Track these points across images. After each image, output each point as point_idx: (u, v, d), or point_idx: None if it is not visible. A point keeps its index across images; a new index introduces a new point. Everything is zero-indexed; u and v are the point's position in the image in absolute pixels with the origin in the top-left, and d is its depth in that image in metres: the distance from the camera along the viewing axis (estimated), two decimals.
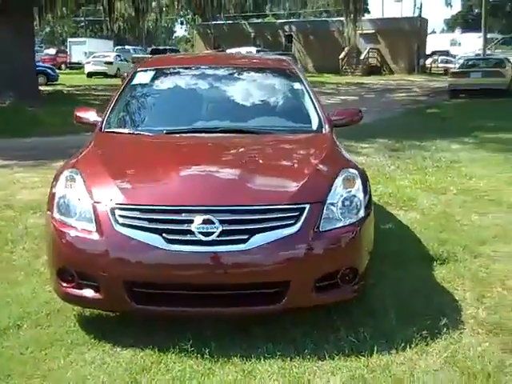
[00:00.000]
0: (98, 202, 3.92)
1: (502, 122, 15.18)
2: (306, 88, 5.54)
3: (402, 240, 5.96)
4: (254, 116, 5.34)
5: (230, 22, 46.19)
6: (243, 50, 39.00)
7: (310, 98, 5.43)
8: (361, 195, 4.18)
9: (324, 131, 5.08)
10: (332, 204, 3.99)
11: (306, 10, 63.34)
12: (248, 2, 41.12)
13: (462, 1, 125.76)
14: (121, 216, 3.83)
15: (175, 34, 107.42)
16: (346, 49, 43.31)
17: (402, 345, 3.85)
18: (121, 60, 41.43)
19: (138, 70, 5.73)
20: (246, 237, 3.74)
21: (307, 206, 3.89)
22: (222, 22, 44.31)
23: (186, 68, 5.94)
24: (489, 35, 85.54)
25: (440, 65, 47.18)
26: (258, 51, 38.14)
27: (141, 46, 56.96)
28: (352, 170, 4.37)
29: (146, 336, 3.94)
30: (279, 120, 5.34)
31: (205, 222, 3.73)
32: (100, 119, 5.23)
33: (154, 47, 51.42)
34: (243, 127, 5.05)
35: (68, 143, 10.55)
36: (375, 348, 3.79)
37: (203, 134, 4.91)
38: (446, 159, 10.34)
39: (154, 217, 3.81)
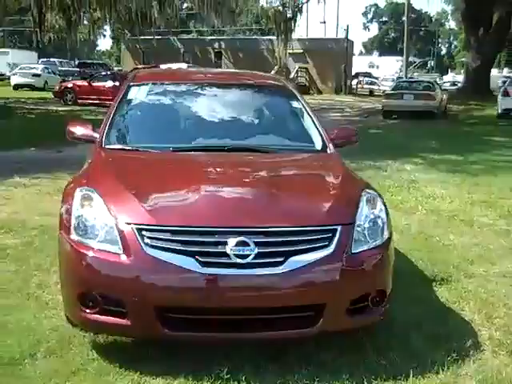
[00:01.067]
0: (122, 223, 3.72)
1: (441, 142, 15.66)
2: (304, 106, 5.50)
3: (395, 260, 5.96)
4: (259, 134, 5.26)
5: (159, 37, 45.77)
6: (174, 65, 38.80)
7: (310, 116, 5.39)
8: (384, 216, 4.16)
9: (329, 151, 5.04)
10: (359, 225, 3.95)
11: (233, 28, 63.58)
12: (173, 18, 40.88)
13: (378, 24, 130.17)
14: (150, 237, 3.64)
15: (98, 48, 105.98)
16: (275, 67, 43.65)
17: (435, 368, 3.83)
18: (48, 72, 40.33)
19: (131, 84, 5.52)
20: (281, 259, 3.64)
21: (339, 228, 3.84)
22: (150, 37, 43.81)
23: (181, 84, 5.79)
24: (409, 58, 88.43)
25: (365, 86, 48.42)
26: (188, 67, 38.01)
27: (67, 59, 55.83)
28: (372, 191, 4.36)
29: (173, 362, 3.77)
30: (284, 139, 5.28)
31: (239, 243, 3.61)
32: (97, 135, 5.02)
33: (80, 61, 50.45)
34: (251, 146, 4.95)
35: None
36: (410, 372, 3.75)
37: (211, 152, 4.78)
38: (405, 179, 10.52)
39: (187, 238, 3.65)
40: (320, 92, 44.74)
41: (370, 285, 3.93)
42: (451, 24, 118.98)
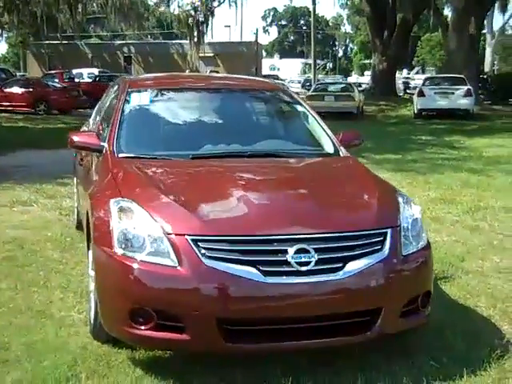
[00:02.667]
0: (173, 234, 3.57)
1: (374, 142, 15.99)
2: (309, 110, 5.47)
3: None
4: (273, 139, 5.21)
5: (66, 42, 44.57)
6: (84, 70, 37.93)
7: (316, 120, 5.37)
8: (420, 218, 4.19)
9: (342, 154, 5.04)
10: (404, 228, 3.96)
11: (136, 32, 62.81)
12: (80, 23, 39.94)
13: (277, 28, 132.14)
14: (207, 248, 3.51)
15: None
16: (187, 71, 43.48)
17: (483, 365, 3.87)
18: None
19: (129, 90, 5.30)
20: (340, 265, 3.60)
21: (389, 231, 3.84)
22: (57, 42, 42.60)
23: (183, 90, 5.64)
24: (308, 61, 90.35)
25: None
26: (100, 72, 37.24)
27: None
28: (403, 194, 4.39)
29: (231, 374, 3.66)
30: (298, 143, 5.25)
31: (300, 251, 3.54)
32: (103, 143, 4.80)
33: None
34: (271, 151, 4.88)
35: None
36: (463, 371, 3.77)
37: (232, 159, 4.68)
38: None
39: (247, 248, 3.55)
40: None
41: (419, 286, 3.95)
42: (347, 28, 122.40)
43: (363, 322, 3.72)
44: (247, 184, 4.30)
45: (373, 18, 38.39)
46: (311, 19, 47.07)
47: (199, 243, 3.53)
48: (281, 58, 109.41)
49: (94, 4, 38.90)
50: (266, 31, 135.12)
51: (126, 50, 48.41)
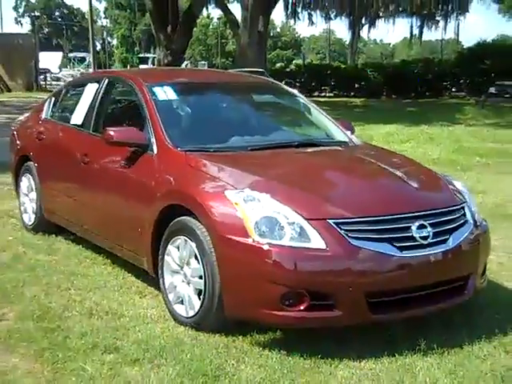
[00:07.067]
0: (314, 219, 3.84)
1: None
2: (310, 103, 5.86)
3: None
4: (300, 129, 5.51)
5: None
6: None
7: (319, 111, 5.78)
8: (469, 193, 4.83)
9: (356, 142, 5.51)
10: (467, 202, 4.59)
11: None
12: None
13: (31, 19, 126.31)
14: (350, 230, 3.84)
15: None
16: None
17: None
18: None
19: (147, 85, 5.24)
20: (447, 236, 4.14)
21: (465, 205, 4.46)
22: None
23: (200, 84, 5.72)
24: (70, 54, 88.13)
25: (53, 82, 47.71)
26: None
27: None
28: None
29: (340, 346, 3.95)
30: (322, 133, 5.59)
31: (420, 227, 4.01)
32: (143, 138, 4.80)
33: None
34: (309, 141, 5.24)
35: None
36: None
37: (287, 149, 4.95)
38: None
39: (382, 227, 3.94)
40: (9, 90, 42.36)
41: (488, 253, 4.62)
42: (103, 21, 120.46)
43: (460, 285, 4.28)
44: (342, 171, 4.68)
45: (155, 12, 38.71)
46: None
47: (341, 226, 3.83)
48: (40, 50, 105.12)
49: None
50: (18, 22, 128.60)
51: None
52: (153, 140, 4.76)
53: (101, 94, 5.74)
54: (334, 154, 5.13)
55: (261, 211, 3.87)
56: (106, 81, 5.84)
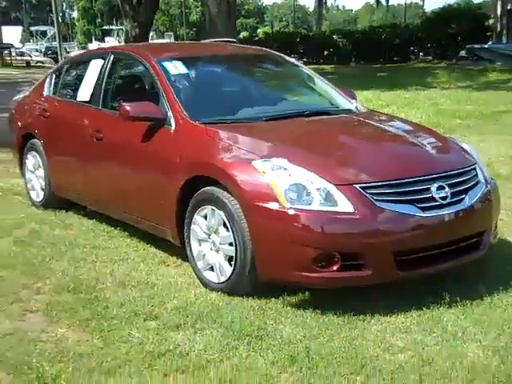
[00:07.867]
0: (342, 184, 4.04)
1: None
2: (311, 73, 6.02)
3: None
4: (311, 99, 5.66)
5: None
6: None
7: (323, 81, 5.94)
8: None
9: (363, 109, 5.68)
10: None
11: None
12: None
13: None
14: (374, 193, 4.05)
15: None
16: None
17: None
18: None
19: (158, 60, 5.34)
20: (463, 196, 4.37)
21: (476, 166, 4.70)
22: None
23: (207, 57, 5.83)
24: (32, 28, 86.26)
25: (18, 58, 46.99)
26: None
27: None
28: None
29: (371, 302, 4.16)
30: (330, 102, 5.74)
31: (439, 188, 4.23)
32: (160, 112, 4.92)
33: None
34: (319, 110, 5.40)
35: None
36: None
37: (298, 118, 5.10)
38: None
39: (404, 189, 4.15)
40: None
41: (498, 212, 4.86)
42: None
43: (476, 241, 4.52)
44: (358, 137, 4.88)
45: None
46: None
47: (366, 190, 4.04)
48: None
49: None
50: None
51: None
52: (170, 114, 4.88)
53: (108, 70, 5.81)
54: (347, 122, 5.30)
55: (289, 179, 4.05)
56: (112, 56, 5.91)
